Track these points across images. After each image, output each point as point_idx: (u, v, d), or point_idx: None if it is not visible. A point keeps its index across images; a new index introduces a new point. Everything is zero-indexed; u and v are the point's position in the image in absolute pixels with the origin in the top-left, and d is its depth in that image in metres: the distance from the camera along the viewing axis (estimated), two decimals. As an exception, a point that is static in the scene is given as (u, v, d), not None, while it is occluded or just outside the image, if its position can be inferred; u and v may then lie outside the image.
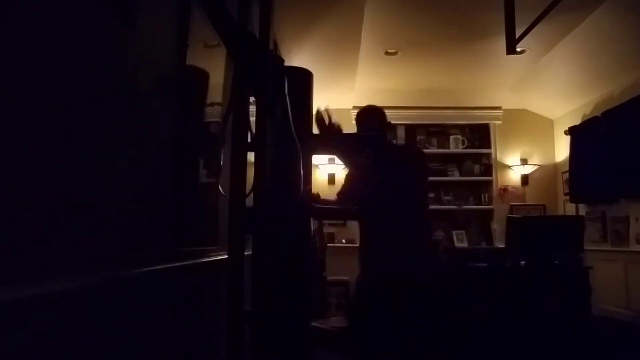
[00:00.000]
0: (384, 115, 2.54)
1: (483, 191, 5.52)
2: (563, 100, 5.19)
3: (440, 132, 5.62)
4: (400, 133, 5.61)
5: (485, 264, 3.75)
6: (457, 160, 5.56)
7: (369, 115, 2.53)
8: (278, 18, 3.13)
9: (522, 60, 4.36)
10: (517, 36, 2.33)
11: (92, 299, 0.90)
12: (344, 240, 5.43)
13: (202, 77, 1.67)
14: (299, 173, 1.77)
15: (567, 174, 5.10)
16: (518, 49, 3.45)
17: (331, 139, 2.26)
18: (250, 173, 1.46)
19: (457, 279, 3.58)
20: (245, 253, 1.42)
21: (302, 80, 2.03)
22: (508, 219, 4.05)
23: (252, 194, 1.47)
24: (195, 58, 1.51)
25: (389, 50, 4.42)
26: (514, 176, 5.53)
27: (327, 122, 2.24)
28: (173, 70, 1.38)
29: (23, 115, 0.72)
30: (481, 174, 5.52)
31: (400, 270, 2.15)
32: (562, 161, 5.41)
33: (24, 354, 0.71)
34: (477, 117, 5.54)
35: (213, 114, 1.77)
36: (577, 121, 5.00)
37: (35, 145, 0.75)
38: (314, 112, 2.25)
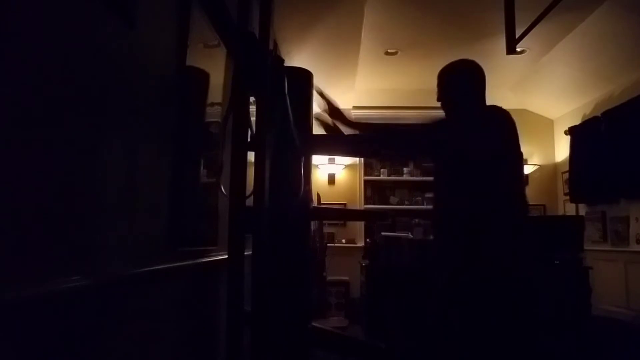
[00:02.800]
0: (483, 75, 1.92)
1: (483, 191, 5.51)
2: (563, 100, 5.19)
3: (440, 132, 5.61)
4: (400, 133, 5.61)
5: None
6: (457, 160, 5.56)
7: (467, 74, 1.93)
8: (278, 18, 3.12)
9: (522, 60, 4.36)
10: (517, 36, 2.33)
11: (92, 299, 0.90)
12: (344, 240, 5.43)
13: (202, 77, 1.66)
14: (299, 173, 1.77)
15: (567, 174, 5.10)
16: (518, 49, 3.45)
17: (333, 139, 2.22)
18: (251, 173, 1.46)
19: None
20: (245, 253, 1.42)
21: (302, 80, 2.03)
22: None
23: (252, 194, 1.47)
24: (195, 58, 1.51)
25: (389, 50, 4.42)
26: (514, 176, 5.53)
27: (330, 122, 2.03)
28: (173, 70, 1.38)
29: (21, 116, 0.72)
30: (481, 174, 5.51)
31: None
32: (562, 161, 5.41)
33: (23, 354, 0.71)
34: (477, 117, 5.55)
35: (213, 114, 1.77)
36: (577, 121, 5.00)
37: (34, 145, 0.75)
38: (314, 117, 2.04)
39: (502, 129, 1.82)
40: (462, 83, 1.93)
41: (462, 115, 1.92)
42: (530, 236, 1.82)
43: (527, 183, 1.87)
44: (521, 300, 1.70)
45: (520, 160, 1.88)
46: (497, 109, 1.86)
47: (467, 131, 1.84)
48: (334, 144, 2.20)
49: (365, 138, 2.09)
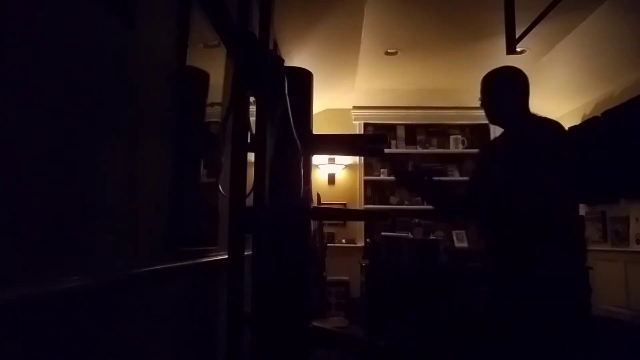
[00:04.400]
0: (527, 83, 1.94)
1: (483, 191, 5.51)
2: (563, 100, 5.19)
3: (440, 132, 5.62)
4: (400, 133, 5.62)
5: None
6: (457, 160, 5.56)
7: (507, 83, 1.96)
8: (278, 18, 3.12)
9: (522, 60, 4.35)
10: (517, 36, 2.33)
11: (92, 299, 0.90)
12: (344, 240, 5.43)
13: (202, 77, 1.67)
14: (299, 173, 1.77)
15: (567, 174, 5.09)
16: (518, 49, 3.45)
17: (334, 138, 2.23)
18: (251, 173, 1.46)
19: (457, 279, 3.58)
20: (245, 253, 1.42)
21: (302, 80, 2.03)
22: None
23: (252, 194, 1.47)
24: (195, 58, 1.51)
25: (389, 50, 4.42)
26: (514, 176, 5.53)
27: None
28: (173, 71, 1.38)
29: (21, 116, 0.72)
30: (481, 174, 5.51)
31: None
32: (562, 161, 5.40)
33: (23, 354, 0.71)
34: (477, 117, 5.50)
35: (213, 114, 1.77)
36: (577, 121, 5.00)
37: (34, 146, 0.75)
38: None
39: (544, 136, 1.81)
40: (505, 90, 1.95)
41: (505, 121, 1.99)
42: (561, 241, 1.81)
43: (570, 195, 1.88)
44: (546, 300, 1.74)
45: (560, 171, 1.79)
46: (544, 120, 1.90)
47: (509, 139, 1.93)
48: (334, 143, 2.21)
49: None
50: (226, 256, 1.43)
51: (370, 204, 5.51)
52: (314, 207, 2.66)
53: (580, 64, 4.38)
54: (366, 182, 5.54)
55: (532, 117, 1.93)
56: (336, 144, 2.31)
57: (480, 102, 2.01)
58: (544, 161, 1.73)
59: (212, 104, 1.77)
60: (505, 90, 1.94)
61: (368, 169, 5.58)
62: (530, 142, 1.80)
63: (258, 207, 1.44)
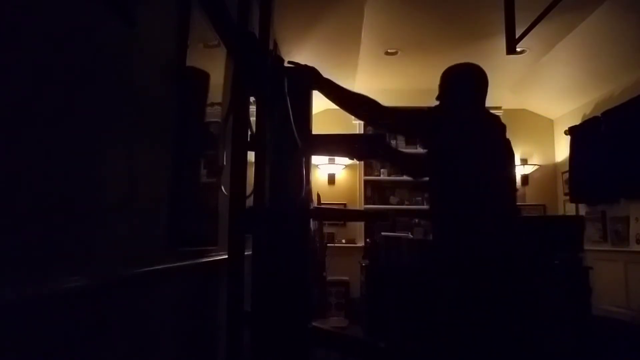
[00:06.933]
0: (485, 81, 1.98)
1: (483, 191, 5.51)
2: (563, 100, 5.19)
3: (441, 132, 5.61)
4: (400, 133, 5.62)
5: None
6: (457, 160, 5.57)
7: (469, 78, 1.99)
8: (278, 18, 3.12)
9: (522, 60, 4.36)
10: (517, 36, 2.33)
11: (92, 299, 0.90)
12: (344, 240, 5.44)
13: (202, 77, 1.66)
14: (299, 173, 1.77)
15: (567, 174, 5.10)
16: (518, 49, 3.46)
17: (332, 138, 2.23)
18: (251, 173, 1.46)
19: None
20: (245, 253, 1.42)
21: (302, 80, 2.03)
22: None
23: (252, 194, 1.47)
24: (195, 58, 1.51)
25: (389, 50, 4.42)
26: (514, 176, 5.54)
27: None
28: (173, 71, 1.38)
29: (21, 115, 0.72)
30: (481, 174, 5.51)
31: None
32: (562, 161, 5.41)
33: (24, 354, 0.71)
34: (477, 117, 5.54)
35: (213, 114, 1.77)
36: (577, 121, 5.01)
37: (34, 145, 0.75)
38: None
39: (493, 131, 1.90)
40: (462, 86, 1.97)
41: (457, 116, 1.97)
42: (521, 237, 1.86)
43: (517, 188, 1.96)
44: (515, 299, 1.74)
45: (509, 163, 1.92)
46: (489, 114, 1.99)
47: (459, 130, 1.89)
48: (334, 143, 2.21)
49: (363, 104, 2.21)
50: (226, 256, 1.43)
51: (370, 204, 5.51)
52: (314, 207, 2.66)
53: (580, 64, 4.38)
54: (366, 182, 5.54)
55: (482, 113, 1.97)
56: (336, 144, 2.31)
57: (436, 96, 2.07)
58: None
59: (212, 104, 1.77)
60: (462, 86, 1.97)
61: (368, 169, 5.58)
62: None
63: (258, 207, 1.44)
